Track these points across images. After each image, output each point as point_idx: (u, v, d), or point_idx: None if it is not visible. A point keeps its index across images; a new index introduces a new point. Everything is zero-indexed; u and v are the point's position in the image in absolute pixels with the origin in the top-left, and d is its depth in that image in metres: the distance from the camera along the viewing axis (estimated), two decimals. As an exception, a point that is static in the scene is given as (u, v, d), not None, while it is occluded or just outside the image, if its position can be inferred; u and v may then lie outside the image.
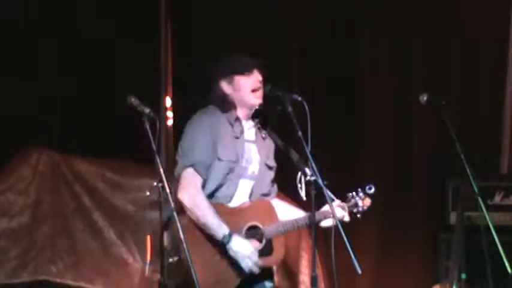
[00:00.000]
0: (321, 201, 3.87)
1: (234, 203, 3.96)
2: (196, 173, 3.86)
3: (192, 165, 3.86)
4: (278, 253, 3.97)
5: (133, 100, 3.64)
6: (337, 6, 6.32)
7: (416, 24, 6.32)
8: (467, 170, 4.11)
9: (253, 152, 4.05)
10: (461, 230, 4.93)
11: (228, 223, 3.81)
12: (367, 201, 4.09)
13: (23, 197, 5.66)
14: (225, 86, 4.00)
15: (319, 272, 5.44)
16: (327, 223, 4.00)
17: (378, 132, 6.30)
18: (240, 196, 3.99)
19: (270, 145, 4.14)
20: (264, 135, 4.10)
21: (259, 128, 4.09)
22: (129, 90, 3.70)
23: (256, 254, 3.85)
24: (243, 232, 3.90)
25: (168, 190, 3.54)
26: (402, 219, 6.20)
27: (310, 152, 3.77)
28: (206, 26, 6.17)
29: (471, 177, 4.11)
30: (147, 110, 3.62)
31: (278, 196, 4.23)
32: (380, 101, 6.31)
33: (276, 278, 4.19)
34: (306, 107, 3.83)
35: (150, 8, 6.17)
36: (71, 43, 5.96)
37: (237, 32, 6.10)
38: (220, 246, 3.83)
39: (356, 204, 4.08)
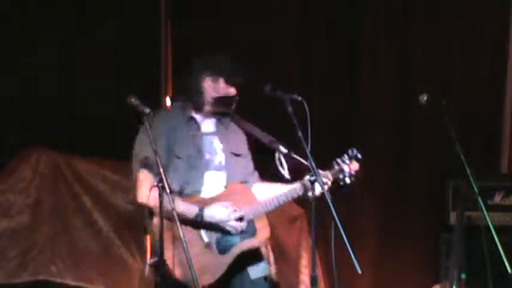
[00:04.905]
0: (303, 174, 3.88)
1: (206, 195, 3.96)
2: (148, 173, 3.85)
3: (141, 168, 3.87)
4: (262, 234, 3.97)
5: (133, 100, 3.64)
6: (337, 7, 6.32)
7: (416, 24, 6.32)
8: (467, 170, 4.11)
9: (216, 143, 4.05)
10: (461, 230, 4.92)
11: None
12: (355, 165, 4.05)
13: (23, 197, 5.65)
14: (207, 83, 4.00)
15: (319, 272, 5.44)
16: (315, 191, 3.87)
17: (378, 132, 6.30)
18: (213, 189, 3.98)
19: (236, 134, 4.14)
20: (225, 125, 4.09)
21: (219, 119, 4.08)
22: (129, 90, 3.70)
23: (234, 212, 3.85)
24: None
25: (168, 190, 3.54)
26: (402, 219, 6.20)
27: (310, 152, 3.77)
28: (206, 26, 6.16)
29: (471, 177, 4.11)
30: (147, 110, 3.62)
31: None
32: (380, 101, 6.31)
33: (273, 269, 4.16)
34: (306, 107, 3.84)
35: (150, 8, 6.17)
36: (71, 43, 5.96)
37: (236, 32, 6.10)
38: (196, 240, 3.83)
39: (341, 170, 4.04)
